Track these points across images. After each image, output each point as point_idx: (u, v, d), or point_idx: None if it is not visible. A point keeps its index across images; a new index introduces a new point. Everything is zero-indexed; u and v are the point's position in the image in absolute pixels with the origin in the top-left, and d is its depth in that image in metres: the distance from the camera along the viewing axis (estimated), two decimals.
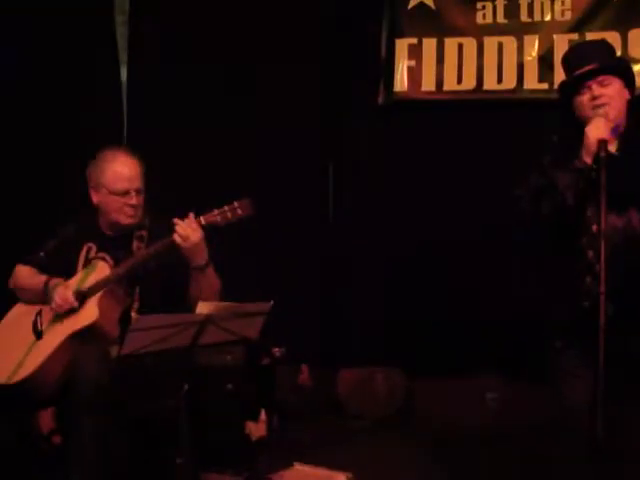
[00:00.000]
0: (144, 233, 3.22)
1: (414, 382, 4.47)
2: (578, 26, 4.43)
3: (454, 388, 4.38)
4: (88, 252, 3.24)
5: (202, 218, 3.00)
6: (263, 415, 4.07)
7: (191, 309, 2.87)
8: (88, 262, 3.22)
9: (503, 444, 3.84)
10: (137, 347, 2.67)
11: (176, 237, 2.98)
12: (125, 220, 3.21)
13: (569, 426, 2.81)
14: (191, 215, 3.01)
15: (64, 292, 3.10)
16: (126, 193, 3.18)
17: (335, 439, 4.14)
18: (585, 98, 2.77)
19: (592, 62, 2.79)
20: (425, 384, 4.44)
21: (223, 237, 3.06)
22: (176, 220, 2.99)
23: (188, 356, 2.87)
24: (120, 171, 3.19)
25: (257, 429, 4.03)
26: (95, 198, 3.25)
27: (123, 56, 4.92)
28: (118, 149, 3.28)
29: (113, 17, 4.91)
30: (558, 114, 3.06)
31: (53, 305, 3.11)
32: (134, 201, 3.18)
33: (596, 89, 2.75)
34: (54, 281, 3.18)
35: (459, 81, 4.57)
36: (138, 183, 3.21)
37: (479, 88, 4.54)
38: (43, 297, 3.18)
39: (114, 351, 2.96)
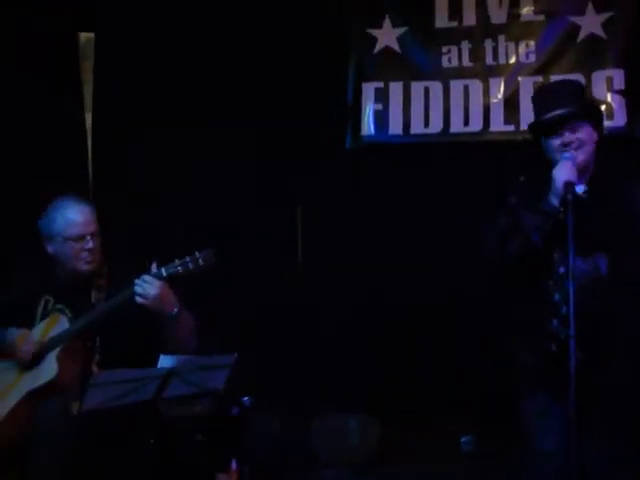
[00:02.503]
0: (103, 283, 3.15)
1: (388, 428, 4.41)
2: (542, 68, 4.47)
3: (428, 433, 4.33)
4: (46, 305, 3.16)
5: (163, 269, 2.96)
6: (234, 466, 3.99)
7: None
8: (46, 315, 3.15)
9: None
10: (98, 403, 2.61)
11: (137, 298, 2.94)
12: (83, 266, 3.14)
13: (540, 471, 2.79)
14: (153, 266, 2.96)
15: (27, 338, 3.04)
16: (81, 238, 3.12)
17: None
18: (556, 143, 2.77)
19: (564, 106, 2.78)
20: (399, 430, 4.38)
21: (189, 286, 3.02)
22: (135, 280, 2.94)
23: (153, 409, 2.80)
24: (73, 217, 3.14)
25: None
26: (50, 249, 3.19)
27: (88, 102, 4.88)
28: (67, 197, 3.22)
29: (78, 63, 4.88)
30: (524, 155, 3.06)
31: (19, 353, 3.03)
32: (90, 245, 3.12)
33: (568, 136, 2.75)
34: (12, 331, 3.10)
35: (426, 124, 4.58)
36: (92, 227, 3.15)
37: (446, 131, 4.56)
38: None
39: (75, 407, 2.87)
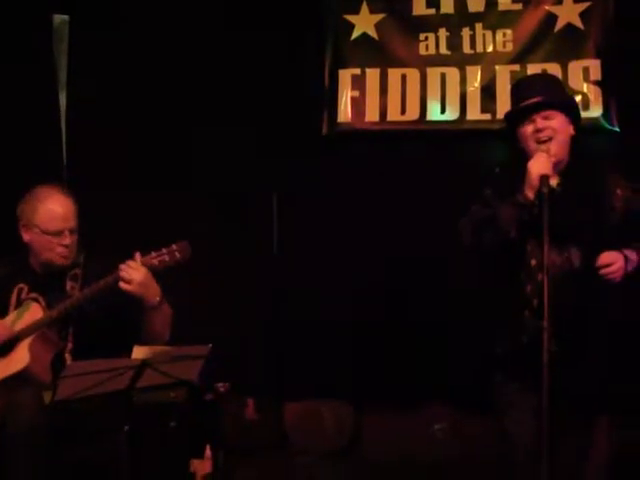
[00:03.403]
0: (78, 272, 3.14)
1: (362, 415, 4.42)
2: (519, 57, 4.46)
3: (402, 420, 4.35)
4: (20, 293, 3.15)
5: (139, 261, 2.95)
6: (208, 452, 3.99)
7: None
8: (20, 303, 3.13)
9: (453, 476, 3.84)
10: (71, 393, 2.61)
11: (121, 284, 2.93)
12: (58, 260, 3.13)
13: (512, 460, 2.82)
14: (137, 255, 2.96)
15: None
16: (60, 233, 3.11)
17: (282, 474, 4.08)
18: (529, 129, 2.81)
19: (538, 95, 2.82)
20: (373, 417, 4.40)
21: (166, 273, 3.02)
22: (120, 265, 2.93)
23: (127, 396, 2.80)
24: (53, 210, 3.12)
25: (202, 466, 3.95)
26: (26, 237, 3.17)
27: (62, 84, 4.82)
28: (51, 187, 3.21)
29: (52, 44, 4.82)
30: (500, 144, 3.08)
31: None
32: (67, 241, 3.11)
33: (540, 122, 2.79)
34: None
35: (403, 111, 4.56)
36: (72, 222, 3.14)
37: (422, 118, 4.54)
38: None
39: (47, 397, 2.86)
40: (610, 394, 2.75)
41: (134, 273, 2.92)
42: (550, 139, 2.78)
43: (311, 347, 4.53)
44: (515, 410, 2.81)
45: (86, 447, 2.98)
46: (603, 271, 2.68)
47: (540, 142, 2.78)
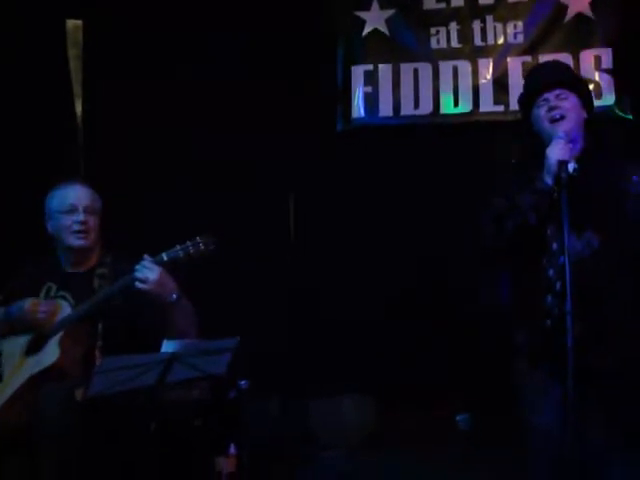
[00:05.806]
0: (105, 271, 3.18)
1: (384, 409, 4.44)
2: (531, 48, 4.50)
3: (425, 413, 4.36)
4: (48, 292, 3.19)
5: (164, 254, 3.01)
6: (232, 450, 4.02)
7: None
8: None
9: (475, 467, 3.85)
10: (103, 389, 2.63)
11: (137, 283, 2.98)
12: (75, 241, 3.19)
13: (538, 448, 2.82)
14: (145, 256, 3.02)
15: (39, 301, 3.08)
16: (73, 210, 3.18)
17: (307, 471, 4.09)
18: (542, 111, 2.82)
19: (550, 76, 2.87)
20: (396, 410, 4.41)
21: (186, 270, 3.06)
22: (135, 266, 2.99)
23: (154, 394, 2.83)
24: (67, 191, 3.24)
25: (227, 464, 3.96)
26: (49, 228, 3.26)
27: (77, 89, 4.86)
28: (69, 180, 3.32)
29: (66, 50, 4.86)
30: (514, 135, 3.10)
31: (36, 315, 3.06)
32: (82, 217, 3.17)
33: (553, 100, 2.81)
34: (20, 303, 3.14)
35: (416, 106, 4.61)
36: (86, 202, 3.21)
37: (436, 112, 4.59)
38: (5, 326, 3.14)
39: (79, 394, 2.89)
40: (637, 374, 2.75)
41: (148, 272, 2.98)
42: (563, 117, 2.80)
43: (331, 342, 4.55)
44: (542, 396, 2.80)
45: (112, 445, 3.00)
46: None
47: (553, 121, 2.80)
